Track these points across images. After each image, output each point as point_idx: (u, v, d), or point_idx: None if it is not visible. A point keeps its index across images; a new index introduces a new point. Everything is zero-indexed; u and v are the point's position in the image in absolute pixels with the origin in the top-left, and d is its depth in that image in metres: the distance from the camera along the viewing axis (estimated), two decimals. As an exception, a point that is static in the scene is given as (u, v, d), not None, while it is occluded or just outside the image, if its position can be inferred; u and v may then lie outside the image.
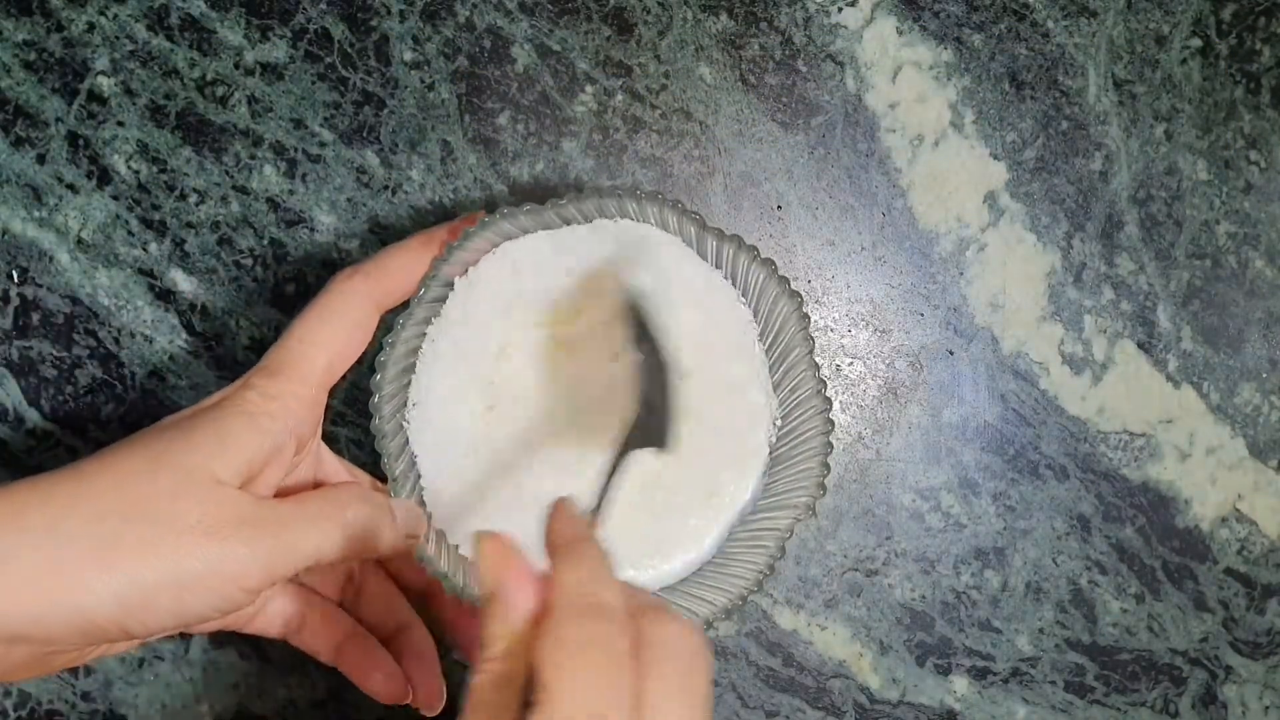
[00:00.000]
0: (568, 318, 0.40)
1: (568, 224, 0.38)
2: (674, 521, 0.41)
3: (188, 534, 0.31)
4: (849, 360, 0.46)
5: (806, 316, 0.39)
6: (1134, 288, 0.46)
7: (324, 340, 0.36)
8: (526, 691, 0.25)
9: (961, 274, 0.46)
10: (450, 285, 0.38)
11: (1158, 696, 0.48)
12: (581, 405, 0.40)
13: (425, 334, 0.39)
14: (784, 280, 0.39)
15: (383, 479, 0.40)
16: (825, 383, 0.40)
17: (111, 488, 0.31)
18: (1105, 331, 0.46)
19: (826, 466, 0.40)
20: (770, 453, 0.41)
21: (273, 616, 0.39)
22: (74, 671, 0.46)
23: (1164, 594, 0.48)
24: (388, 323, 0.39)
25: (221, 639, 0.46)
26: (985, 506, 0.47)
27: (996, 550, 0.47)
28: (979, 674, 0.48)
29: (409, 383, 0.39)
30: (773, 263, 0.39)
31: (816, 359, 0.40)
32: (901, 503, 0.47)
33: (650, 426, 0.35)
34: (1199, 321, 0.47)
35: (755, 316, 0.40)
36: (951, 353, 0.46)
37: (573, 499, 0.30)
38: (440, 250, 0.37)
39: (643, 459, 0.36)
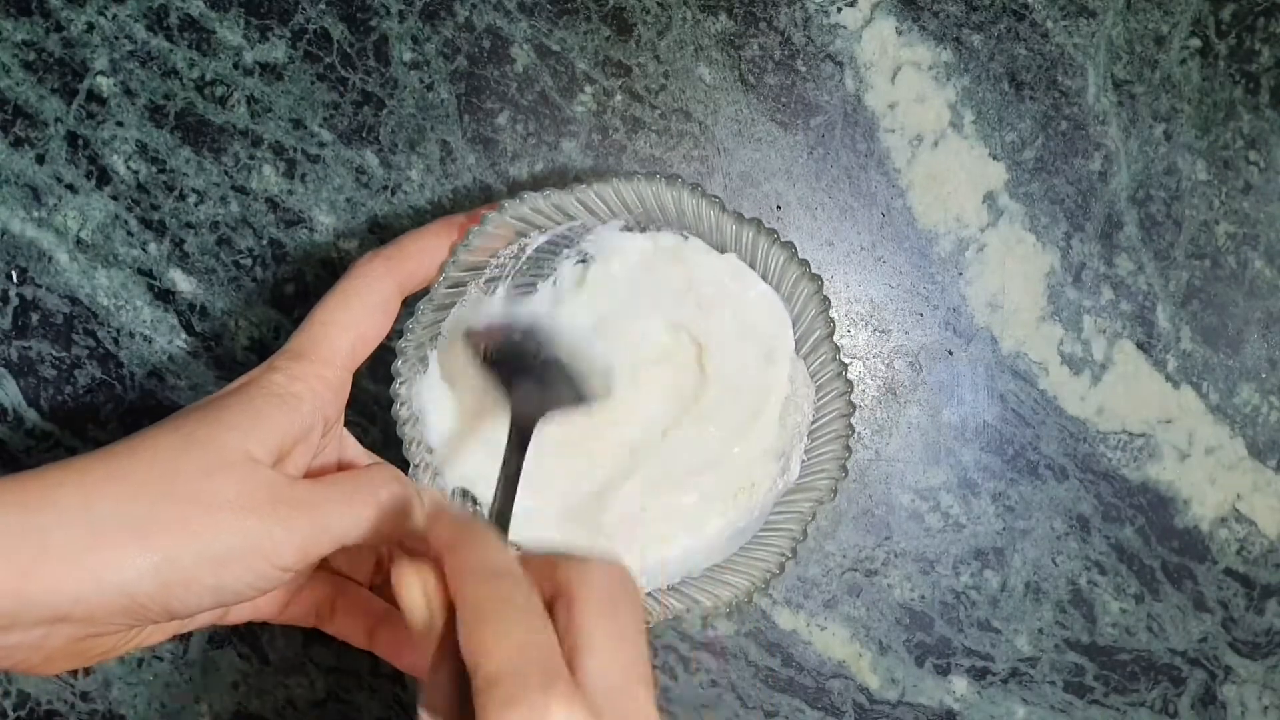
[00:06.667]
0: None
1: (590, 211, 0.38)
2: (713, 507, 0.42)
3: (224, 510, 0.31)
4: (848, 360, 0.46)
5: (827, 299, 0.39)
6: (1133, 288, 0.46)
7: (347, 323, 0.36)
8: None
9: (961, 274, 0.46)
10: (470, 270, 0.38)
11: (1157, 697, 0.48)
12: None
13: (445, 320, 0.39)
14: (804, 263, 0.39)
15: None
16: (846, 365, 0.40)
17: (146, 466, 0.31)
18: (1104, 332, 0.46)
19: (848, 449, 0.40)
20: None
21: (304, 604, 0.39)
22: (73, 671, 0.46)
23: (1163, 594, 0.48)
24: (407, 309, 0.39)
25: (220, 639, 0.46)
26: (984, 506, 0.47)
27: (996, 550, 0.47)
28: (978, 674, 0.48)
29: (429, 369, 0.39)
30: (793, 245, 0.38)
31: (837, 342, 0.40)
32: (901, 503, 0.47)
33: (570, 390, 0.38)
34: (1198, 321, 0.47)
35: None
36: (951, 353, 0.46)
37: (443, 500, 0.32)
38: (460, 235, 0.37)
39: (549, 423, 0.38)
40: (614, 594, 0.28)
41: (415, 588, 0.29)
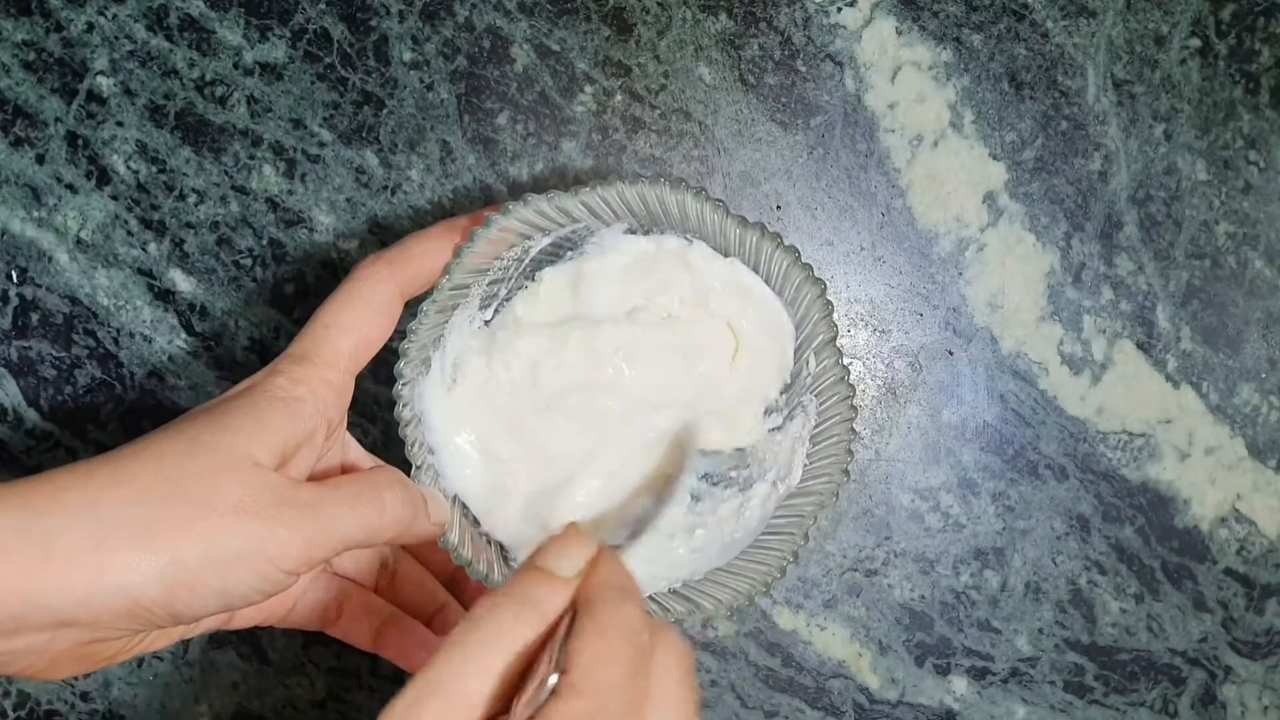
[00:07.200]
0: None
1: (594, 214, 0.38)
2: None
3: (229, 514, 0.31)
4: (848, 360, 0.46)
5: (830, 304, 0.39)
6: (1133, 288, 0.46)
7: (349, 325, 0.36)
8: (542, 661, 0.27)
9: (960, 274, 0.46)
10: (474, 272, 0.38)
11: (1157, 697, 0.48)
12: (614, 420, 0.41)
13: (449, 321, 0.39)
14: (807, 267, 0.39)
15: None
16: (849, 369, 0.40)
17: (151, 470, 0.31)
18: (1104, 331, 0.46)
19: (850, 453, 0.40)
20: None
21: (310, 607, 0.39)
22: (73, 671, 0.46)
23: (1163, 594, 0.48)
24: (410, 310, 0.38)
25: (221, 639, 0.46)
26: (984, 507, 0.47)
27: (996, 550, 0.47)
28: (978, 674, 0.48)
29: (431, 370, 0.39)
30: (796, 250, 0.38)
31: (839, 345, 0.40)
32: (901, 503, 0.47)
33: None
34: (1198, 321, 0.47)
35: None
36: (951, 353, 0.46)
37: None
38: (464, 237, 0.37)
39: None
40: (690, 669, 0.29)
41: (576, 559, 0.30)
